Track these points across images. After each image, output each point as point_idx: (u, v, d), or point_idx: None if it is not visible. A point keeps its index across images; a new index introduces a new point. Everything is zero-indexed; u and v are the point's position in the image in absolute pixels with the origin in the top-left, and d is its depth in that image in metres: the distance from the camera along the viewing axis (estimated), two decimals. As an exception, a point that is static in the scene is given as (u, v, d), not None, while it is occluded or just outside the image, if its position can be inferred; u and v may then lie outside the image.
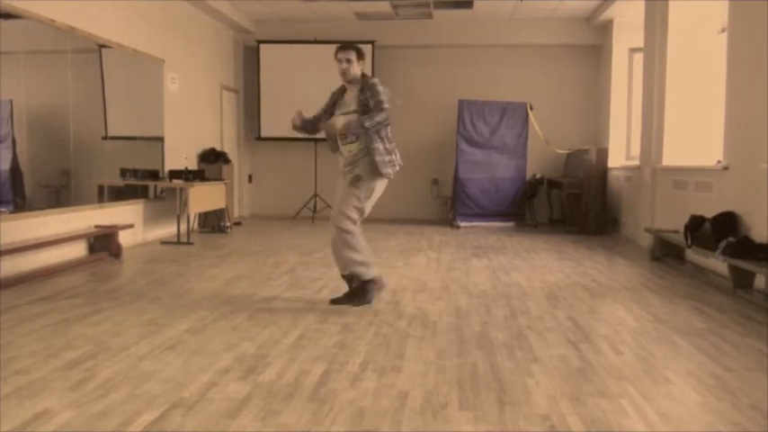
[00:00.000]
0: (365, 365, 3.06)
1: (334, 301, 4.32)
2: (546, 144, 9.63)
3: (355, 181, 4.18)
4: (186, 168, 7.58)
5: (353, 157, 4.19)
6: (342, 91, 4.36)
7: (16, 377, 2.83)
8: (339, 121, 4.15)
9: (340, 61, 4.22)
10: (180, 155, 8.10)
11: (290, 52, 10.29)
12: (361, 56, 4.26)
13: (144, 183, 7.30)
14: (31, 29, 5.47)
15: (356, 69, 4.23)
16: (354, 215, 4.19)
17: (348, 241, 4.17)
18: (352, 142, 4.18)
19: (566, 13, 9.56)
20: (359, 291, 4.28)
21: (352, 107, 4.20)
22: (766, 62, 4.83)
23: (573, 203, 9.29)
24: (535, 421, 2.42)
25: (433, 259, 6.42)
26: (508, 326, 3.84)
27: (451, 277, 5.44)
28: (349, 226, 4.17)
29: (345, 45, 4.28)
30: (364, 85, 4.21)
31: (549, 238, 8.32)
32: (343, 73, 4.23)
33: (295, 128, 4.34)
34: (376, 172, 4.15)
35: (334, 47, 4.35)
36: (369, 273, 4.26)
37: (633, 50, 9.19)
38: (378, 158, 4.14)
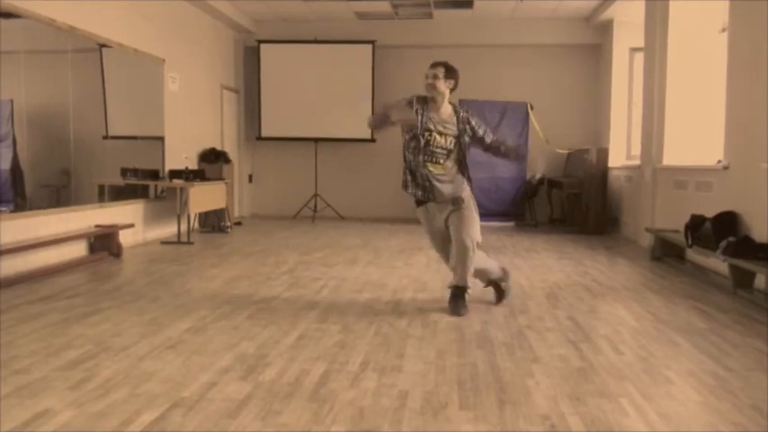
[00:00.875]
0: (365, 365, 3.06)
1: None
2: (546, 144, 9.62)
3: (460, 203, 4.15)
4: (186, 168, 7.59)
5: (444, 177, 4.13)
6: (425, 101, 4.15)
7: (16, 377, 2.83)
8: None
9: (427, 77, 4.10)
10: (180, 154, 8.10)
11: (291, 52, 10.29)
12: (449, 75, 4.11)
13: (144, 182, 7.30)
14: (32, 28, 5.47)
15: (443, 87, 4.09)
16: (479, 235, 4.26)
17: (471, 263, 4.21)
18: (438, 162, 4.11)
19: (566, 12, 9.55)
20: (464, 299, 4.26)
21: (452, 131, 4.11)
22: (766, 62, 4.83)
23: (573, 203, 9.28)
24: (535, 421, 2.42)
25: (434, 259, 6.40)
26: (508, 325, 3.84)
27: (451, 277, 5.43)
28: (476, 246, 4.23)
29: (437, 62, 4.19)
30: (461, 112, 4.17)
31: (549, 237, 8.32)
32: (432, 87, 4.08)
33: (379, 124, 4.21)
34: (469, 185, 4.24)
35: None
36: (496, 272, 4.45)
37: (633, 50, 9.18)
38: (468, 172, 4.24)
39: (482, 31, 10.13)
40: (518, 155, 4.30)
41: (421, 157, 4.08)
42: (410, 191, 4.21)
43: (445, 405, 2.57)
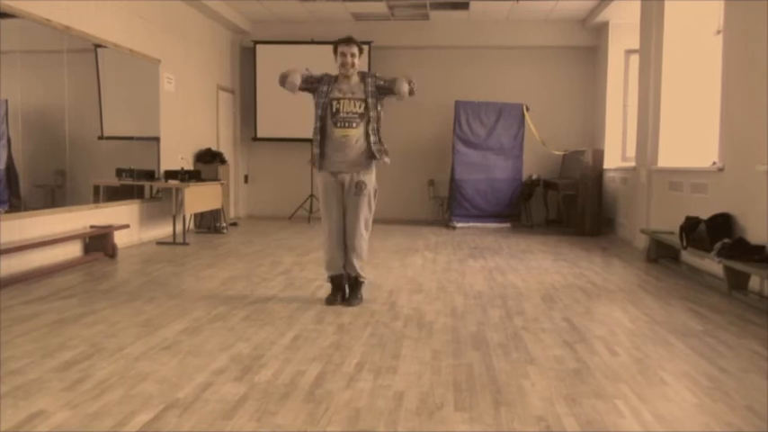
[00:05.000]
0: (361, 366, 3.06)
1: (342, 303, 4.39)
2: (542, 145, 9.64)
3: (361, 189, 4.29)
4: (182, 169, 7.57)
5: (350, 148, 4.25)
6: (333, 80, 4.37)
7: (11, 377, 2.82)
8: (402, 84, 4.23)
9: (344, 54, 4.29)
10: (176, 155, 8.10)
11: (287, 53, 10.27)
12: (361, 50, 4.38)
13: (140, 183, 7.28)
14: (27, 28, 5.46)
15: (357, 62, 4.36)
16: (371, 221, 4.45)
17: (365, 248, 4.44)
18: (350, 127, 4.26)
19: (562, 14, 9.58)
20: (359, 289, 4.47)
21: (359, 95, 4.29)
22: (762, 64, 4.85)
23: (569, 204, 9.30)
24: (530, 422, 2.42)
25: (430, 260, 6.42)
26: (504, 327, 3.85)
27: (448, 278, 5.44)
28: (367, 235, 4.43)
29: (349, 39, 4.35)
30: (367, 76, 4.35)
31: (545, 239, 8.33)
32: (350, 66, 4.30)
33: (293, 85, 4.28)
34: (381, 155, 4.32)
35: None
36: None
37: (629, 52, 9.21)
38: (378, 146, 4.32)
39: (478, 32, 10.15)
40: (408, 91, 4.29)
41: (330, 122, 4.27)
42: (318, 162, 4.34)
43: (441, 406, 2.57)
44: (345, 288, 4.49)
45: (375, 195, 4.42)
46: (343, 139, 4.26)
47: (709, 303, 4.57)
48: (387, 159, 4.37)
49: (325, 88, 4.30)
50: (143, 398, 2.60)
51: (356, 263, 4.41)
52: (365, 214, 4.36)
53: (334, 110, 4.26)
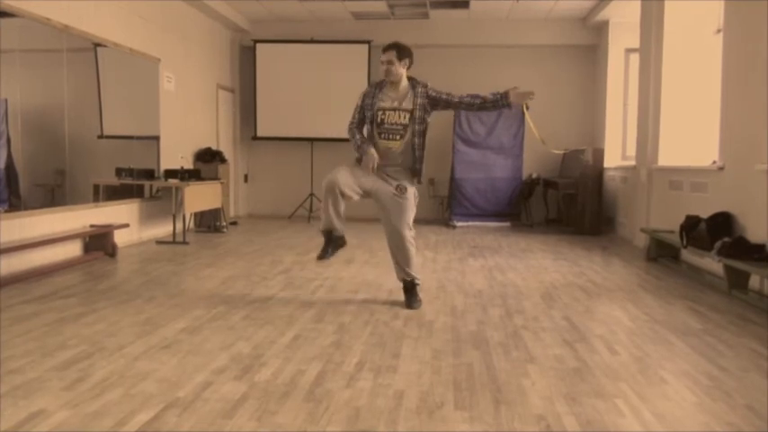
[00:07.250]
0: (361, 365, 3.06)
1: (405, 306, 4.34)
2: (542, 144, 9.60)
3: (402, 192, 4.21)
4: (182, 168, 7.57)
5: (394, 159, 4.20)
6: (380, 85, 4.28)
7: (11, 377, 2.82)
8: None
9: (382, 63, 4.18)
10: (176, 154, 8.09)
11: (287, 52, 10.28)
12: (401, 55, 4.17)
13: (140, 182, 7.28)
14: (27, 27, 5.45)
15: (399, 69, 4.18)
16: (412, 225, 4.32)
17: (412, 251, 4.31)
18: (394, 139, 4.20)
19: (562, 13, 9.57)
20: (416, 293, 4.40)
21: (406, 105, 4.18)
22: (761, 63, 4.85)
23: (569, 203, 9.30)
24: (531, 421, 2.42)
25: (430, 259, 6.42)
26: (504, 326, 3.85)
27: (448, 277, 5.44)
28: (412, 236, 4.30)
29: (388, 45, 4.22)
30: (418, 85, 4.23)
31: (545, 238, 8.33)
32: (389, 73, 4.17)
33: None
34: (417, 179, 4.30)
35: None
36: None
37: (629, 51, 9.21)
38: (423, 166, 4.28)
39: (478, 31, 10.15)
40: (499, 103, 4.19)
41: (375, 132, 4.22)
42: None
43: (441, 405, 2.57)
44: (337, 241, 4.35)
45: (416, 201, 4.30)
46: (386, 151, 4.20)
47: (709, 302, 4.57)
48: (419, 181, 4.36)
49: (369, 100, 4.22)
50: (143, 397, 2.60)
51: (408, 268, 4.31)
52: (408, 216, 4.23)
53: (378, 120, 4.19)
